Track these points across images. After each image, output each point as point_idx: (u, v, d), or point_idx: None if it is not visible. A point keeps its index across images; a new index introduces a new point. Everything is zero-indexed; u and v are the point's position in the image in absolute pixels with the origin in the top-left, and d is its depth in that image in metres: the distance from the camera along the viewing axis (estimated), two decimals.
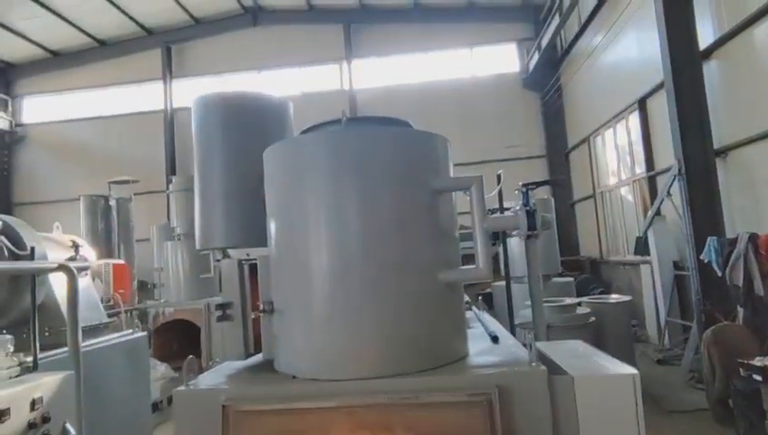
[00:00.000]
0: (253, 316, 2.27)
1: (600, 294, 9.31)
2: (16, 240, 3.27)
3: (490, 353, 2.28)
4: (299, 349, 2.08)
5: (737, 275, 5.35)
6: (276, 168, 2.28)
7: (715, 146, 6.87)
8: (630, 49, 9.80)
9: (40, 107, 16.79)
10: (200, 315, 7.67)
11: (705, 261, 5.97)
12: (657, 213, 8.05)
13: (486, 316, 3.39)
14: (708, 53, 7.07)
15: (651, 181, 9.44)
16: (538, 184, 2.51)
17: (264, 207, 2.76)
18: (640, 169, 10.03)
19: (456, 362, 2.12)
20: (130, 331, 4.02)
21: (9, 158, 16.32)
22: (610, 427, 1.84)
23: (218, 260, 3.01)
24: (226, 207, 2.89)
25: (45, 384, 2.62)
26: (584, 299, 7.21)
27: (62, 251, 3.75)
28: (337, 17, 15.46)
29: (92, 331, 3.63)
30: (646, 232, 8.41)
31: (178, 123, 15.75)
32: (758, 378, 3.88)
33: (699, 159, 6.79)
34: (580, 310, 6.38)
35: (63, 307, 3.57)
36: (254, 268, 2.37)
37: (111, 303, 4.37)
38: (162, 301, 8.21)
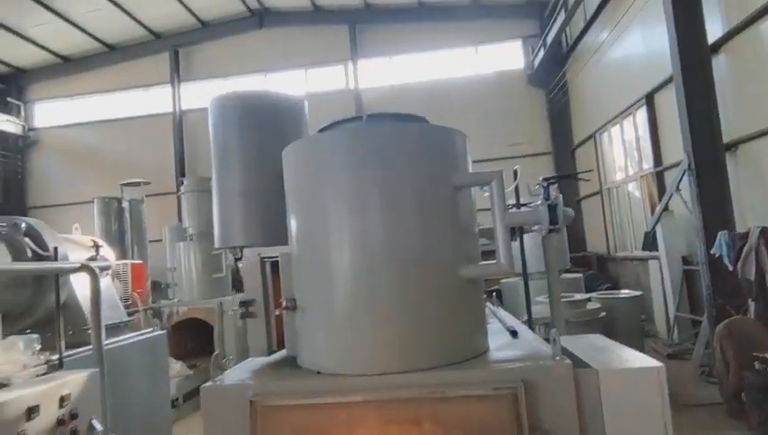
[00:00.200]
0: (277, 313, 2.30)
1: (606, 289, 9.31)
2: (39, 241, 3.33)
3: (511, 348, 2.31)
4: (323, 345, 2.12)
5: (749, 270, 5.35)
6: (296, 166, 2.31)
7: (725, 140, 6.86)
8: (637, 44, 9.78)
9: (51, 112, 16.97)
10: (213, 314, 7.74)
11: (716, 255, 5.97)
12: (666, 208, 8.04)
13: (502, 312, 3.42)
14: (717, 47, 7.06)
15: (659, 177, 9.42)
16: (559, 178, 2.53)
17: (282, 206, 2.82)
18: (648, 164, 10.01)
19: (477, 357, 2.16)
20: (150, 329, 4.08)
21: (23, 162, 16.50)
22: (636, 421, 1.86)
23: (238, 258, 3.05)
24: (244, 207, 2.94)
25: (72, 382, 2.68)
26: (594, 295, 7.23)
27: (83, 251, 3.81)
28: (342, 18, 15.50)
29: (114, 329, 3.69)
30: (654, 227, 8.40)
31: (187, 126, 15.86)
32: None
33: (709, 154, 6.78)
34: (591, 305, 6.40)
35: (85, 307, 3.64)
36: (275, 266, 2.41)
37: (130, 302, 4.44)
38: (176, 300, 8.30)
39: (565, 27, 12.31)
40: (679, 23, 6.97)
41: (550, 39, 12.82)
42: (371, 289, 2.03)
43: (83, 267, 3.12)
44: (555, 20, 12.30)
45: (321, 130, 2.43)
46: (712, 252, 6.10)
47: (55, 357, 3.00)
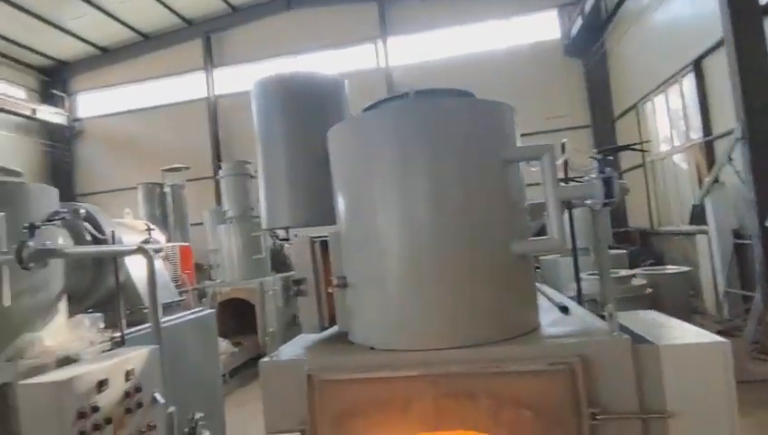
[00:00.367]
0: (330, 291, 2.34)
1: (650, 265, 9.04)
2: (97, 226, 3.48)
3: (563, 324, 2.29)
4: (375, 321, 2.15)
5: None
6: (344, 146, 2.32)
7: None
8: (684, 7, 9.26)
9: (93, 102, 17.56)
10: (255, 294, 7.97)
11: None
12: (716, 180, 7.69)
13: (548, 288, 3.38)
14: None
15: (708, 147, 8.99)
16: (615, 150, 2.45)
17: (326, 187, 2.84)
18: (696, 134, 9.56)
19: (529, 333, 2.15)
20: (200, 308, 4.24)
21: (69, 151, 17.21)
22: (699, 398, 1.82)
23: (283, 239, 3.11)
24: (290, 188, 2.97)
25: (136, 357, 2.82)
26: (639, 271, 7.04)
27: (136, 235, 3.97)
28: None
29: (167, 308, 3.84)
30: (702, 200, 8.07)
31: (221, 110, 16.13)
32: None
33: (763, 121, 6.41)
34: (636, 281, 6.25)
35: (140, 287, 3.80)
36: (324, 244, 2.44)
37: (180, 282, 4.61)
38: (219, 281, 8.57)
39: None
40: None
41: (588, 6, 12.28)
42: (423, 266, 2.03)
43: (139, 250, 3.25)
44: None
45: (367, 109, 2.43)
46: (766, 224, 5.82)
47: (117, 334, 3.15)
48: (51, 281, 3.03)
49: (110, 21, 15.23)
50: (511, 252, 2.10)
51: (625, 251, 8.22)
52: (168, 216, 9.23)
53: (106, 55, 17.01)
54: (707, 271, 8.45)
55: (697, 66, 9.02)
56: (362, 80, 13.83)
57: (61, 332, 3.01)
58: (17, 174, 3.19)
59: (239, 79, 16.05)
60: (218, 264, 8.77)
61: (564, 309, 2.52)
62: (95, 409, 2.46)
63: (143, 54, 16.73)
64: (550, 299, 2.86)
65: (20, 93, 16.50)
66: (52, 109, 16.78)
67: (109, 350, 3.03)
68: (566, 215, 2.55)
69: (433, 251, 2.03)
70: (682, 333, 2.09)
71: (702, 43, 8.46)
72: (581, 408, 1.85)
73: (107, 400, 2.55)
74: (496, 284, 2.08)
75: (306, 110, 2.98)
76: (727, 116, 7.09)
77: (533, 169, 2.24)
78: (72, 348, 2.85)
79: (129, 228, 4.06)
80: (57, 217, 2.86)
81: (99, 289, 3.59)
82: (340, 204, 2.33)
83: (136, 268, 3.84)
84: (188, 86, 16.55)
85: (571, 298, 3.04)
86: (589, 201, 2.21)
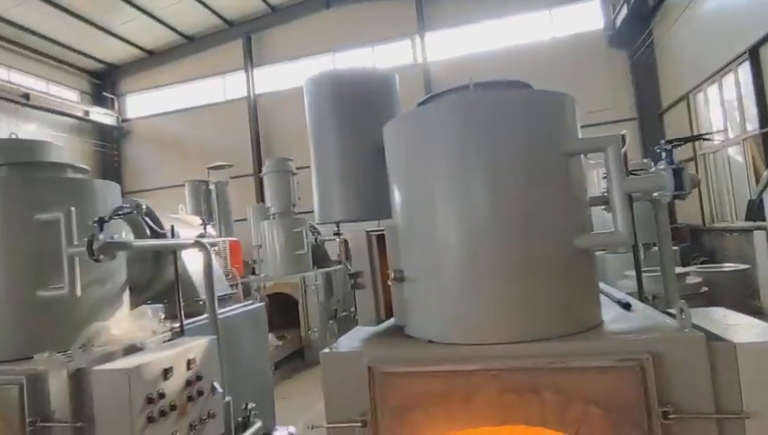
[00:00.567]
0: (388, 283, 2.34)
1: (701, 263, 8.66)
2: (156, 221, 3.62)
3: (627, 320, 2.22)
4: (434, 315, 2.14)
5: None
6: (401, 140, 2.32)
7: None
8: None
9: (140, 103, 18.27)
10: (297, 289, 8.11)
11: None
12: None
13: (603, 285, 3.29)
14: None
15: (765, 139, 8.52)
16: (685, 140, 2.36)
17: (379, 181, 2.85)
18: (752, 125, 9.08)
19: (593, 329, 2.10)
20: (251, 301, 4.35)
21: (118, 151, 17.98)
22: None
23: (336, 234, 3.15)
24: (342, 183, 3.01)
25: (197, 347, 2.92)
26: (692, 268, 6.76)
27: (191, 229, 4.10)
28: None
29: (220, 301, 3.95)
30: (760, 195, 7.64)
31: (261, 109, 16.46)
32: None
33: None
34: (690, 279, 6.00)
35: (195, 280, 3.93)
36: (381, 238, 2.45)
37: (230, 276, 4.75)
38: (262, 275, 8.76)
39: None
40: None
41: None
42: (485, 260, 2.02)
43: (197, 243, 3.36)
44: None
45: (422, 103, 2.42)
46: None
47: (176, 325, 3.27)
48: (116, 273, 3.17)
49: (155, 24, 15.79)
50: (574, 246, 2.06)
51: (677, 248, 7.90)
52: (213, 212, 9.50)
53: (152, 58, 17.64)
54: (766, 270, 8.02)
55: (753, 54, 8.56)
56: (400, 76, 13.81)
57: (125, 321, 3.15)
58: (84, 171, 3.35)
59: (278, 78, 16.34)
60: (262, 259, 8.97)
61: (626, 305, 2.45)
62: (162, 395, 2.56)
63: (187, 56, 17.25)
64: (608, 295, 2.78)
65: (73, 96, 17.33)
66: (103, 110, 17.56)
67: (169, 340, 3.15)
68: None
69: (494, 245, 2.01)
70: (757, 330, 1.99)
71: (757, 31, 8.03)
72: (652, 406, 1.79)
73: (172, 387, 2.66)
74: (559, 278, 2.04)
75: (358, 105, 3.01)
76: None
77: (592, 162, 2.18)
78: (136, 337, 2.98)
79: (185, 223, 4.21)
80: (122, 212, 2.99)
81: (158, 282, 3.74)
82: (398, 198, 2.33)
83: (191, 262, 3.96)
84: (230, 86, 16.98)
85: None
86: (656, 193, 2.13)
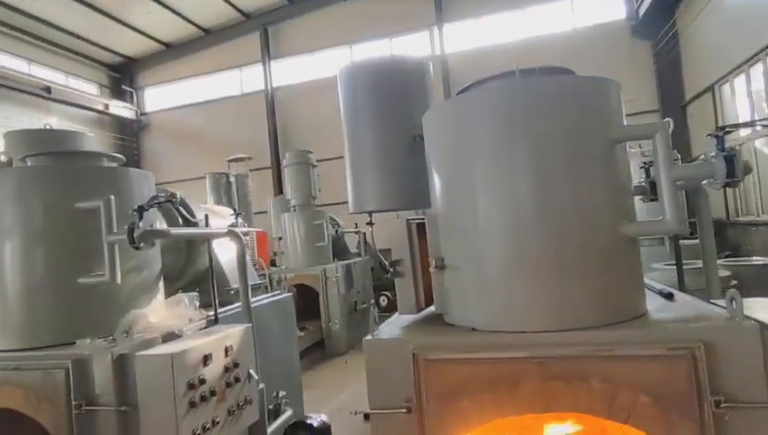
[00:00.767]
0: (431, 270, 2.34)
1: (725, 257, 8.48)
2: (189, 211, 3.66)
3: (672, 310, 2.20)
4: (477, 303, 2.14)
5: None
6: (443, 128, 2.31)
7: None
8: None
9: (158, 96, 18.43)
10: (318, 280, 8.16)
11: None
12: None
13: None
14: None
15: None
16: (739, 126, 2.31)
17: (414, 170, 2.84)
18: None
19: (639, 318, 2.08)
20: (279, 291, 4.39)
21: (137, 144, 18.19)
22: None
23: (368, 223, 3.15)
24: (377, 172, 3.00)
25: (233, 335, 2.95)
26: (720, 262, 6.65)
27: (221, 220, 4.14)
28: None
29: (251, 290, 3.99)
30: None
31: (278, 102, 16.50)
32: None
33: None
34: (719, 273, 5.89)
35: (227, 270, 3.97)
36: (420, 226, 2.45)
37: (257, 267, 4.79)
38: (283, 267, 8.82)
39: None
40: None
41: None
42: (532, 248, 2.00)
43: (230, 232, 3.39)
44: None
45: (461, 92, 2.40)
46: None
47: (210, 313, 3.31)
48: (152, 262, 3.21)
49: (173, 17, 15.88)
50: (620, 234, 2.04)
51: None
52: (233, 204, 9.57)
53: (170, 51, 17.76)
54: None
55: None
56: None
57: (161, 309, 3.19)
58: (119, 160, 3.39)
59: (295, 70, 16.35)
60: (282, 251, 9.03)
61: (669, 295, 2.42)
62: (202, 381, 2.60)
63: (204, 49, 17.33)
64: (647, 286, 2.74)
65: (92, 89, 17.54)
66: (122, 103, 17.75)
67: (204, 328, 3.19)
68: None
69: (541, 233, 2.00)
70: None
71: None
72: (704, 395, 1.78)
73: (211, 373, 2.70)
74: (606, 266, 2.02)
75: (393, 93, 3.00)
76: None
77: (632, 150, 2.15)
78: (173, 324, 3.02)
79: (215, 213, 4.24)
80: (159, 201, 3.02)
81: (190, 271, 3.78)
82: (439, 186, 2.32)
83: (221, 252, 4.00)
84: (247, 79, 17.04)
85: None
86: (705, 182, 2.09)
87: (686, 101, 12.84)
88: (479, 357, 1.99)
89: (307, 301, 8.54)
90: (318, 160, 9.49)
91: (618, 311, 2.04)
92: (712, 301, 2.34)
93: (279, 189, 15.66)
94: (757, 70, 9.56)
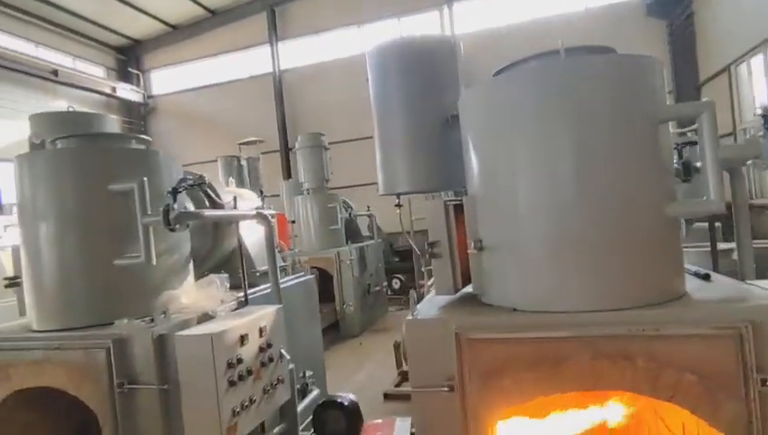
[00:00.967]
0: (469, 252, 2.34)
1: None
2: (215, 193, 3.66)
3: (712, 290, 2.21)
4: (519, 283, 2.14)
5: None
6: (481, 108, 2.29)
7: None
8: None
9: (165, 79, 18.29)
10: (332, 264, 8.20)
11: None
12: None
13: None
14: None
15: None
16: None
17: (445, 151, 2.83)
18: None
19: (681, 298, 2.08)
20: (302, 273, 4.42)
21: (145, 128, 18.12)
22: None
23: (397, 205, 3.16)
24: (408, 153, 3.00)
25: (266, 316, 2.99)
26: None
27: (245, 202, 4.15)
28: None
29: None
30: None
31: (286, 84, 16.37)
32: None
33: None
34: (736, 256, 5.88)
35: (252, 252, 3.99)
36: (457, 208, 2.45)
37: (279, 249, 4.82)
38: (297, 250, 8.87)
39: None
40: None
41: None
42: (576, 229, 2.01)
43: (258, 215, 3.40)
44: None
45: (498, 73, 2.37)
46: None
47: (240, 295, 3.34)
48: (181, 244, 3.23)
49: None
50: (664, 214, 2.04)
51: (718, 224, 7.73)
52: (245, 187, 9.58)
53: (176, 32, 17.56)
54: None
55: None
56: None
57: (192, 290, 3.23)
58: (147, 142, 3.40)
59: (303, 52, 16.17)
60: (296, 234, 9.06)
61: (705, 276, 2.42)
62: (240, 360, 2.64)
63: (211, 30, 17.12)
64: None
65: (99, 72, 17.43)
66: (129, 86, 17.66)
67: (235, 309, 3.23)
68: None
69: (584, 214, 2.00)
70: None
71: None
72: (750, 374, 1.79)
73: (248, 353, 2.74)
74: (649, 247, 2.03)
75: (424, 73, 2.97)
76: None
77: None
78: (205, 305, 3.06)
79: (239, 196, 4.25)
80: (192, 183, 3.03)
81: (216, 253, 3.81)
82: (477, 167, 2.32)
83: (246, 234, 4.02)
84: (254, 61, 16.87)
85: None
86: (750, 162, 2.08)
87: (700, 82, 12.67)
88: (522, 337, 2.01)
89: (321, 284, 8.60)
90: (330, 143, 9.46)
91: (660, 291, 2.05)
92: (749, 282, 2.35)
93: (288, 173, 15.65)
94: None
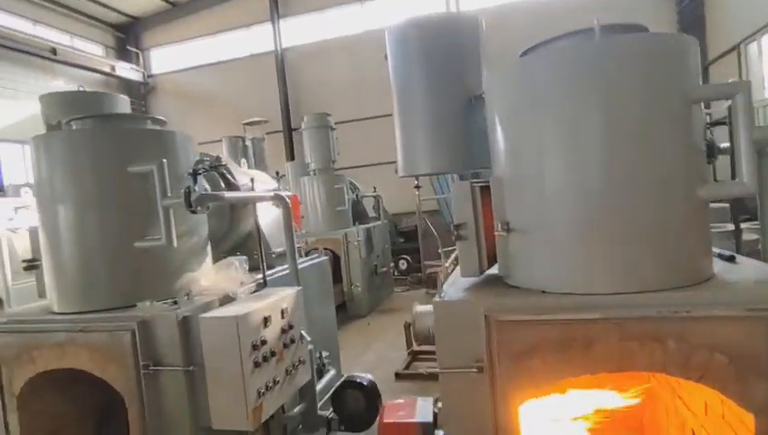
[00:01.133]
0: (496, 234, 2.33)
1: (744, 221, 8.44)
2: (231, 174, 3.64)
3: (739, 272, 2.21)
4: (548, 265, 2.14)
5: None
6: (512, 89, 2.25)
7: None
8: None
9: (164, 58, 18.02)
10: (339, 245, 8.21)
11: None
12: None
13: None
14: None
15: None
16: None
17: (469, 131, 2.80)
18: None
19: (710, 280, 2.09)
20: (317, 254, 4.43)
21: (145, 108, 17.93)
22: None
23: (416, 187, 3.14)
24: (430, 134, 2.97)
25: (287, 297, 2.99)
26: (746, 225, 6.63)
27: (259, 184, 4.12)
28: None
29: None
30: None
31: (288, 63, 16.14)
32: None
33: None
34: (747, 236, 5.89)
35: (267, 233, 3.98)
36: (483, 190, 2.43)
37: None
38: (303, 231, 8.87)
39: None
40: None
41: None
42: (606, 210, 2.00)
43: (276, 196, 3.38)
44: None
45: (524, 54, 2.33)
46: None
47: (259, 277, 3.35)
48: (200, 226, 3.22)
49: None
50: (696, 196, 2.03)
51: (728, 205, 7.72)
52: (250, 168, 9.52)
53: (175, 9, 17.24)
54: None
55: None
56: None
57: (211, 273, 3.23)
58: (162, 122, 3.35)
59: (305, 30, 15.91)
60: (302, 215, 9.04)
61: (730, 258, 2.42)
62: (263, 342, 2.66)
63: (211, 7, 16.79)
64: None
65: (98, 50, 17.17)
66: (128, 65, 17.41)
67: (254, 291, 3.23)
68: None
69: (616, 195, 1.98)
70: None
71: None
72: None
73: (270, 335, 2.75)
74: (680, 228, 2.02)
75: (446, 52, 2.93)
76: None
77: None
78: (225, 287, 3.06)
79: (257, 178, 4.22)
80: (212, 165, 3.00)
81: (232, 235, 3.80)
82: (504, 149, 2.29)
83: (261, 216, 4.01)
84: (256, 39, 16.60)
85: None
86: None
87: (708, 61, 12.50)
88: (552, 318, 2.02)
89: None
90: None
91: (689, 273, 2.05)
92: None
93: (291, 154, 15.56)
94: None
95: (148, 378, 2.59)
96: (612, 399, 2.77)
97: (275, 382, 2.74)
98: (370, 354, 6.91)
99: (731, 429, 2.06)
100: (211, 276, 3.18)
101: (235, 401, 2.51)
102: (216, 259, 3.38)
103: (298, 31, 16.05)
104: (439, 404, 2.61)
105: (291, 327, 2.97)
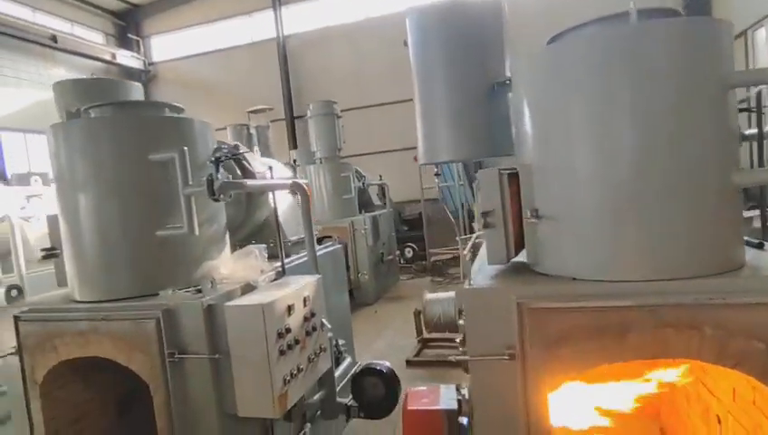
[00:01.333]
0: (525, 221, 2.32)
1: (749, 208, 8.45)
2: (248, 163, 3.61)
3: None
4: (580, 252, 2.13)
5: None
6: (541, 76, 2.22)
7: None
8: None
9: (165, 45, 17.86)
10: (346, 233, 8.20)
11: None
12: None
13: None
14: None
15: None
16: None
17: (491, 118, 2.77)
18: None
19: (743, 267, 2.08)
20: (331, 242, 4.42)
21: (146, 96, 17.73)
22: None
23: (436, 174, 3.11)
24: (452, 121, 2.94)
25: (309, 285, 2.99)
26: (751, 213, 6.63)
27: (281, 172, 4.09)
28: None
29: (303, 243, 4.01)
30: None
31: (290, 51, 16.00)
32: None
33: None
34: (756, 223, 5.90)
35: (282, 221, 3.96)
36: (511, 177, 2.41)
37: None
38: None
39: None
40: None
41: None
42: (639, 197, 1.98)
43: (294, 184, 3.36)
44: None
45: (551, 40, 2.29)
46: None
47: (278, 265, 3.33)
48: (218, 214, 3.20)
49: None
50: (729, 182, 2.01)
51: None
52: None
53: None
54: None
55: None
56: None
57: (230, 261, 3.22)
58: (180, 110, 3.32)
59: (307, 17, 15.75)
60: None
61: (759, 245, 2.42)
62: (288, 330, 2.66)
63: None
64: None
65: (98, 38, 17.01)
66: (129, 53, 17.26)
67: (274, 279, 3.22)
68: None
69: (650, 181, 1.96)
70: None
71: None
72: None
73: (294, 323, 2.75)
74: (713, 215, 2.01)
75: (467, 38, 2.88)
76: None
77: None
78: (246, 276, 3.05)
79: (265, 165, 4.19)
80: (227, 154, 2.98)
81: (249, 223, 3.78)
82: (533, 136, 2.27)
83: (279, 203, 3.99)
84: (257, 26, 16.44)
85: None
86: None
87: None
88: (585, 306, 2.01)
89: None
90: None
91: (723, 260, 2.04)
92: None
93: (294, 142, 15.49)
94: None
95: (173, 366, 2.59)
96: (632, 388, 2.77)
97: (299, 370, 2.74)
98: (380, 342, 6.94)
99: (762, 414, 2.07)
100: (230, 265, 3.17)
101: (261, 389, 2.51)
102: (232, 248, 3.37)
103: (300, 18, 15.90)
104: (462, 391, 2.63)
105: (313, 315, 2.97)
